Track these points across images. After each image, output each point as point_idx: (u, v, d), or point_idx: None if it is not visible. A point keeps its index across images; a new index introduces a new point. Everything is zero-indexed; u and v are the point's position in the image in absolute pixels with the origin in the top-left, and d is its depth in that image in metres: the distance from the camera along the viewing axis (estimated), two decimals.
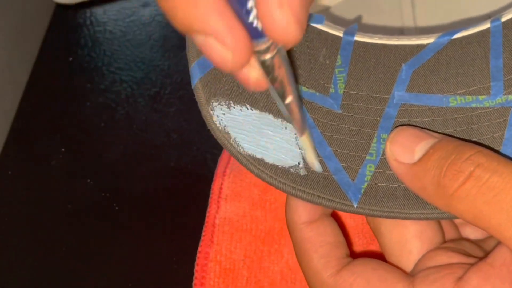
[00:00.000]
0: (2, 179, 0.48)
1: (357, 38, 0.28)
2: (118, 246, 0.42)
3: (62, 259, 0.43)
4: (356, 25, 0.29)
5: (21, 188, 0.47)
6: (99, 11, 0.59)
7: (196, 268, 0.37)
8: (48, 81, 0.54)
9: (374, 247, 0.35)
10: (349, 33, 0.28)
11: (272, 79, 0.20)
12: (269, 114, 0.26)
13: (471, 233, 0.28)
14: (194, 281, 0.37)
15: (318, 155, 0.25)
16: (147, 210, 0.44)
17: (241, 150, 0.26)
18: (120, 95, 0.51)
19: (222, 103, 0.26)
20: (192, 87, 0.27)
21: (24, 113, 0.52)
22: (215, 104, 0.26)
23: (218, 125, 0.26)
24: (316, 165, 0.25)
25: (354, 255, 0.28)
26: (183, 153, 0.46)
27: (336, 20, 0.30)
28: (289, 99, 0.22)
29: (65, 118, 0.51)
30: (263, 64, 0.20)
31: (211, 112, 0.26)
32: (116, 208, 0.44)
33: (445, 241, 0.26)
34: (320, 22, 0.29)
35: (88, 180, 0.46)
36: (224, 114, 0.26)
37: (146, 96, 0.51)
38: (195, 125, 0.48)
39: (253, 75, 0.20)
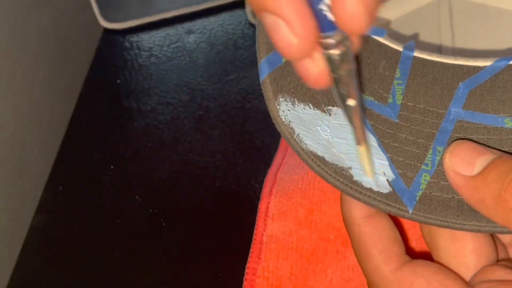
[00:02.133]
0: (53, 194, 0.50)
1: (416, 54, 0.30)
2: (165, 262, 0.44)
3: (110, 273, 0.44)
4: (413, 42, 0.30)
5: (71, 203, 0.49)
6: (145, 37, 0.62)
7: (245, 283, 0.39)
8: (97, 101, 0.57)
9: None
10: (408, 48, 0.29)
11: (336, 78, 0.21)
12: (330, 115, 0.27)
13: None
14: None
15: (373, 169, 0.26)
16: (193, 227, 0.46)
17: (304, 146, 0.26)
18: (167, 116, 0.54)
19: (288, 99, 0.26)
20: (260, 81, 0.27)
21: (74, 132, 0.54)
22: (281, 99, 0.26)
23: (283, 119, 0.26)
24: (370, 178, 0.25)
25: (408, 254, 0.29)
26: (227, 174, 0.48)
27: (392, 35, 0.32)
28: (351, 102, 0.22)
29: (113, 137, 0.53)
30: (328, 59, 0.20)
31: (277, 106, 0.26)
32: (164, 224, 0.46)
33: (498, 260, 0.27)
34: (381, 35, 0.30)
35: (136, 197, 0.48)
36: (289, 110, 0.26)
37: (191, 118, 0.53)
38: (238, 147, 0.50)
39: (314, 69, 0.20)
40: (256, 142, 0.50)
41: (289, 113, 0.26)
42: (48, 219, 0.48)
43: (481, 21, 0.41)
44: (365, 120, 0.27)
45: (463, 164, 0.24)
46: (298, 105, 0.27)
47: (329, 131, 0.27)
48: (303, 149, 0.26)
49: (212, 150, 0.50)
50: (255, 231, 0.41)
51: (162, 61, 0.59)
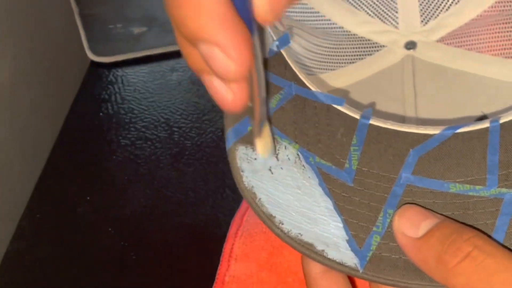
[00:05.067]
0: (31, 221, 0.52)
1: (372, 122, 0.31)
2: None
3: None
4: (370, 109, 0.32)
5: (47, 230, 0.51)
6: (131, 72, 0.65)
7: None
8: (79, 132, 0.59)
9: None
10: (365, 116, 0.31)
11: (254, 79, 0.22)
12: (288, 180, 0.29)
13: None
14: None
15: (273, 148, 0.27)
16: (162, 261, 0.48)
17: (264, 210, 0.28)
18: (145, 152, 0.56)
19: (249, 166, 0.29)
20: (227, 149, 0.29)
21: (55, 161, 0.57)
22: (244, 166, 0.29)
23: (246, 185, 0.28)
24: (260, 156, 0.26)
25: None
26: (198, 211, 0.51)
27: (352, 103, 0.34)
28: (261, 94, 0.24)
29: (92, 168, 0.55)
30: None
31: (241, 173, 0.28)
32: (134, 257, 0.48)
33: None
34: (340, 103, 0.32)
35: (110, 229, 0.50)
36: (252, 176, 0.28)
37: (167, 155, 0.56)
38: (211, 185, 0.53)
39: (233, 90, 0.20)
40: (227, 182, 0.52)
41: (252, 179, 0.28)
42: (25, 246, 0.50)
43: (442, 83, 0.44)
44: (322, 184, 0.29)
45: (410, 227, 0.26)
46: (259, 172, 0.29)
47: (290, 196, 0.29)
48: (263, 212, 0.28)
49: (185, 187, 0.53)
50: (218, 271, 0.43)
51: (145, 97, 0.62)
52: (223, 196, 0.51)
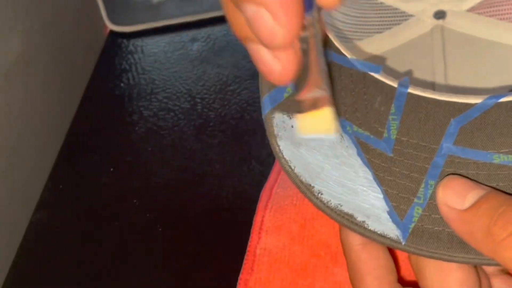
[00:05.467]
0: (53, 192, 0.51)
1: (410, 90, 0.31)
2: (159, 268, 0.45)
3: (105, 273, 0.46)
4: (407, 78, 0.32)
5: (70, 202, 0.51)
6: (151, 42, 0.63)
7: None
8: (100, 103, 0.58)
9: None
10: (403, 85, 0.31)
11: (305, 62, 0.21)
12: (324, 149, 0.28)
13: (499, 286, 0.31)
14: None
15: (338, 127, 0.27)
16: (188, 235, 0.47)
17: (303, 179, 0.27)
18: (168, 123, 0.55)
19: (287, 134, 0.28)
20: (263, 117, 0.29)
21: (76, 132, 0.56)
22: (280, 134, 0.28)
23: (284, 154, 0.28)
24: (331, 135, 0.27)
25: (400, 283, 0.30)
26: (224, 183, 0.50)
27: (388, 71, 0.33)
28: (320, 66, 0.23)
29: (115, 140, 0.54)
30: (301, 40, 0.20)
31: (278, 141, 0.28)
32: (160, 229, 0.47)
33: None
34: (376, 71, 0.31)
35: (134, 201, 0.50)
36: (289, 144, 0.28)
37: (191, 126, 0.55)
38: (236, 157, 0.52)
39: (284, 60, 0.19)
40: (253, 153, 0.51)
41: (290, 148, 0.28)
42: (47, 217, 0.50)
43: (473, 53, 0.43)
44: (361, 154, 0.29)
45: (455, 198, 0.25)
46: (296, 140, 0.28)
47: (326, 164, 0.28)
48: (302, 182, 0.27)
49: (210, 159, 0.52)
50: (249, 243, 0.43)
51: (165, 67, 0.60)
52: (250, 167, 0.50)
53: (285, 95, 0.29)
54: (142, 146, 0.54)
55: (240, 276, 0.41)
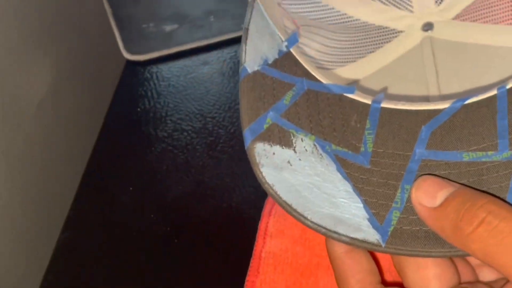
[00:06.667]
0: (78, 212, 0.55)
1: (384, 105, 0.32)
2: (176, 273, 0.49)
3: (130, 284, 0.49)
4: (382, 94, 0.34)
5: (94, 218, 0.55)
6: (164, 68, 0.68)
7: None
8: (119, 127, 0.63)
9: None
10: (377, 101, 0.32)
11: None
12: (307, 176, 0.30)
13: (486, 275, 0.32)
14: None
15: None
16: (201, 244, 0.50)
17: (285, 199, 0.29)
18: (181, 142, 0.59)
19: (269, 162, 0.30)
20: (245, 148, 0.31)
21: (98, 155, 0.60)
22: (263, 161, 0.30)
23: (266, 178, 0.30)
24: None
25: (383, 284, 0.33)
26: (233, 194, 0.53)
27: (365, 91, 0.35)
28: None
29: (133, 161, 0.59)
30: None
31: (260, 168, 0.30)
32: (176, 241, 0.51)
33: (461, 283, 0.30)
34: (351, 92, 0.33)
35: (152, 216, 0.53)
36: (271, 169, 0.30)
37: (203, 144, 0.58)
38: (245, 169, 0.55)
39: None
40: None
41: (271, 172, 0.29)
42: (74, 235, 0.54)
43: (462, 58, 0.45)
44: (340, 169, 0.30)
45: (427, 197, 0.27)
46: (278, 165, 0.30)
47: (308, 184, 0.30)
48: (285, 202, 0.29)
49: (221, 172, 0.55)
50: (254, 248, 0.46)
51: (179, 91, 0.65)
52: (256, 180, 0.53)
53: (265, 126, 0.31)
54: (158, 165, 0.57)
55: (247, 278, 0.44)
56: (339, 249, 0.32)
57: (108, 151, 0.60)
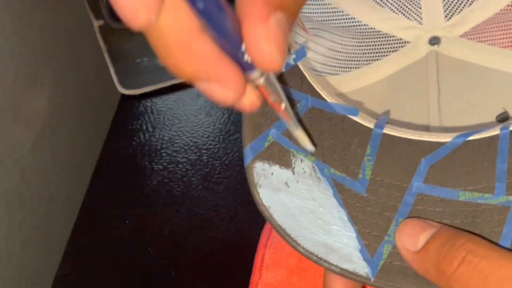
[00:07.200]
0: (76, 247, 0.56)
1: (386, 131, 0.31)
2: None
3: None
4: (385, 117, 0.33)
5: (92, 253, 0.55)
6: (159, 101, 0.69)
7: None
8: (115, 161, 0.63)
9: None
10: (379, 126, 0.31)
11: (273, 95, 0.24)
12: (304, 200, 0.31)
13: None
14: None
15: (311, 141, 0.28)
16: (198, 275, 0.51)
17: (280, 222, 0.28)
18: (177, 174, 0.59)
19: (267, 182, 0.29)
20: (245, 167, 0.31)
21: (95, 189, 0.61)
22: (261, 182, 0.29)
23: (263, 200, 0.29)
24: (309, 148, 0.28)
25: None
26: (229, 225, 0.53)
27: (367, 112, 0.35)
28: (282, 106, 0.25)
29: (129, 194, 0.59)
30: (258, 86, 0.23)
31: (258, 189, 0.30)
32: (173, 273, 0.51)
33: None
34: (355, 114, 0.31)
35: (149, 249, 0.54)
36: (269, 190, 0.29)
37: (198, 175, 0.59)
38: (240, 200, 0.55)
39: (247, 101, 0.22)
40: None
41: (269, 194, 0.29)
42: (71, 271, 0.54)
43: (465, 78, 0.44)
44: (336, 195, 0.30)
45: (409, 241, 0.27)
46: (275, 186, 0.30)
47: (303, 212, 0.29)
48: (279, 226, 0.28)
49: (217, 204, 0.56)
50: (251, 280, 0.46)
51: (173, 123, 0.65)
52: (251, 210, 0.53)
53: (266, 144, 0.31)
54: (154, 198, 0.58)
55: None
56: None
57: (104, 185, 0.61)
